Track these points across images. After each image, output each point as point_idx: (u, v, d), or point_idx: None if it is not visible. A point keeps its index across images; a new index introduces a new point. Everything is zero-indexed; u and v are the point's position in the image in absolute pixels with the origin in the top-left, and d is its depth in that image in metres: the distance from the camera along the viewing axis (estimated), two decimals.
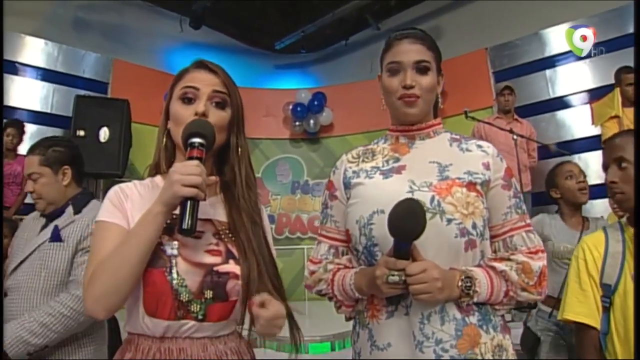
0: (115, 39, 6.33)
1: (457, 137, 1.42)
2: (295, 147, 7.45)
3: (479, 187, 1.29)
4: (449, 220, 1.23)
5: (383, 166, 1.39)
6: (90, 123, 5.12)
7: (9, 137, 4.82)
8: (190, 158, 1.12)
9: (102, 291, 1.07)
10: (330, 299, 1.43)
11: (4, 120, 4.87)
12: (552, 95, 5.51)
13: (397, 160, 1.39)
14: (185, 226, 1.06)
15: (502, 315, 1.31)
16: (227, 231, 1.24)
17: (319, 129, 7.20)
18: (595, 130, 4.85)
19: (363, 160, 1.44)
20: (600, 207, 4.28)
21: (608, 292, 1.57)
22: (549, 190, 2.99)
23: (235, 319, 1.20)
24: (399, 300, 1.25)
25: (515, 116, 5.16)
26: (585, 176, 2.92)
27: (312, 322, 4.32)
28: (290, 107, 7.11)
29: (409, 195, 1.24)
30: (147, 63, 6.31)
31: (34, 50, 5.55)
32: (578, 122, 5.25)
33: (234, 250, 1.21)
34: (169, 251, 1.14)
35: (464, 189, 1.27)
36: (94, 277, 1.08)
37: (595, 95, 4.98)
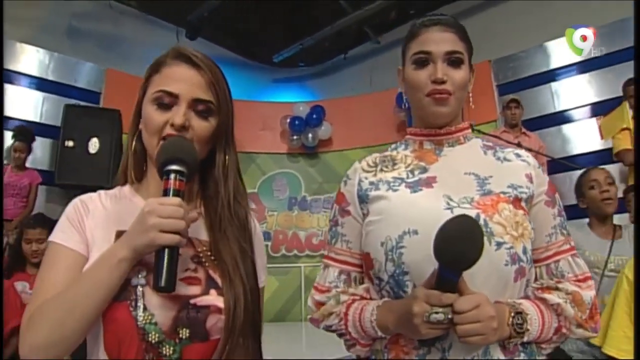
0: (109, 49, 6.17)
1: (490, 144, 1.22)
2: (292, 162, 7.24)
3: (523, 204, 1.09)
4: (499, 244, 1.01)
5: (408, 177, 1.16)
6: (79, 133, 4.94)
7: (17, 154, 4.78)
8: (166, 191, 0.91)
9: (44, 341, 0.86)
10: (340, 335, 1.18)
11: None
12: (558, 109, 5.36)
13: (425, 170, 1.16)
14: (162, 283, 0.86)
15: (549, 354, 1.10)
16: (209, 253, 1.02)
17: (317, 144, 7.01)
18: (603, 144, 4.72)
19: (382, 170, 1.20)
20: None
21: None
22: (578, 200, 2.84)
23: None
24: (433, 341, 1.01)
25: (523, 129, 5.00)
26: (611, 182, 2.74)
27: (309, 345, 4.10)
28: (288, 120, 6.92)
29: (448, 213, 1.02)
30: (141, 74, 6.02)
31: (25, 57, 5.38)
32: (585, 135, 5.08)
33: (217, 277, 0.99)
34: (134, 280, 0.93)
35: (511, 206, 1.05)
36: (35, 320, 0.88)
37: (600, 108, 4.86)
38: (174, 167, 0.92)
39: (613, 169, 4.54)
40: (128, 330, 0.90)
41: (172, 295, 0.93)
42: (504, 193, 1.08)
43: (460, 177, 1.12)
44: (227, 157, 1.08)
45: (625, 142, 4.22)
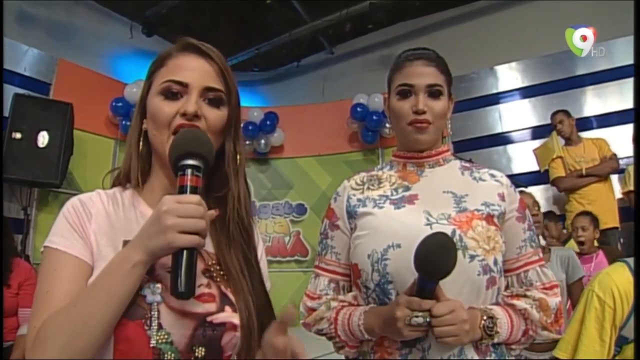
0: (61, 38, 5.92)
1: (468, 165, 1.36)
2: None
3: (496, 220, 1.22)
4: (472, 257, 1.15)
5: (392, 195, 1.28)
6: (28, 125, 4.64)
7: None
8: (182, 188, 0.84)
9: None
10: (330, 338, 1.29)
11: None
12: (504, 130, 5.65)
13: (407, 188, 1.29)
14: (182, 288, 0.80)
15: (517, 355, 1.24)
16: (218, 267, 0.98)
17: (269, 150, 7.02)
18: None
19: (368, 188, 1.33)
20: None
21: (621, 342, 1.49)
22: None
23: None
24: (414, 342, 1.13)
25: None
26: (539, 208, 2.93)
27: None
28: (242, 125, 6.83)
29: (427, 228, 1.15)
30: (93, 67, 5.92)
31: None
32: (528, 156, 5.34)
33: (229, 294, 0.95)
34: (149, 297, 0.86)
35: (484, 222, 1.19)
36: (41, 339, 0.79)
37: (543, 131, 5.16)
38: (190, 161, 0.85)
39: (552, 189, 4.87)
40: (142, 351, 0.84)
41: (188, 313, 0.89)
42: (478, 210, 1.21)
43: (439, 195, 1.25)
44: (237, 151, 1.03)
45: (559, 171, 4.60)
